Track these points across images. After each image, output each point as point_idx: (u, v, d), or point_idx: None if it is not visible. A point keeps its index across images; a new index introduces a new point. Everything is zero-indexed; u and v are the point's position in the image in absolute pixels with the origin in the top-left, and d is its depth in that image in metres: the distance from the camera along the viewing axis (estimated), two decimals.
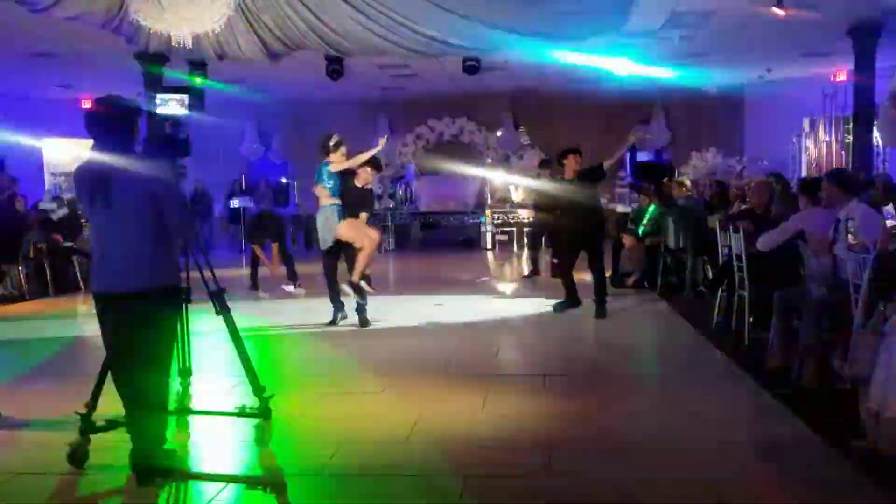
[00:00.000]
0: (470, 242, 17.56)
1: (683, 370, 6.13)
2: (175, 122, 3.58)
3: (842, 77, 14.27)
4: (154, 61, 10.65)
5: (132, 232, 3.60)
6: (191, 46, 7.17)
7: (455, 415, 4.93)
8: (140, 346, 3.67)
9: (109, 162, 3.59)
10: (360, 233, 7.55)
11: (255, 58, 9.51)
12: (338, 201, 7.52)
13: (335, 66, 12.51)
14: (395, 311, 8.82)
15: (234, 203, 17.34)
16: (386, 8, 8.47)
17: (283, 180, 18.86)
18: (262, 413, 4.26)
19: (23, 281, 10.42)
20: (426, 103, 18.38)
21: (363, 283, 7.64)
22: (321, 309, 8.09)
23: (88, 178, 3.63)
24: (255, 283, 10.38)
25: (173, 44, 7.12)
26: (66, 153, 14.32)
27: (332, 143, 7.55)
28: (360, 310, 7.67)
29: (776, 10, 9.91)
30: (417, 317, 8.54)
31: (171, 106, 3.45)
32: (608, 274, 10.63)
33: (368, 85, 16.03)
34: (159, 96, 3.40)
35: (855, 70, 12.39)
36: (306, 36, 8.86)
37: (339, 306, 7.80)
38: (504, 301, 9.54)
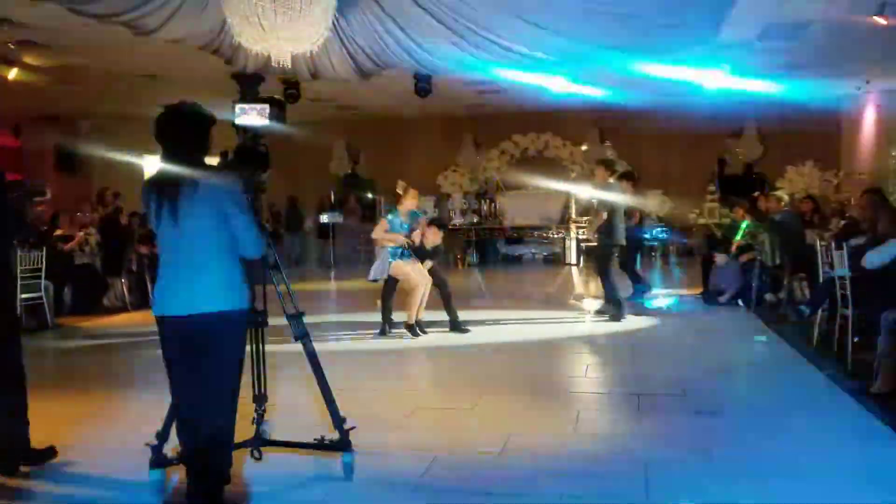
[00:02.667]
0: (554, 257, 17.45)
1: (782, 392, 5.93)
2: (255, 133, 3.54)
3: None
4: (250, 81, 11.02)
5: (200, 250, 3.30)
6: (290, 66, 7.38)
7: (547, 432, 4.90)
8: (204, 375, 3.35)
9: (177, 174, 3.30)
10: (415, 274, 8.03)
11: (347, 77, 9.71)
12: (399, 242, 8.02)
13: (423, 84, 12.66)
14: (482, 326, 8.84)
15: (324, 218, 17.70)
16: (475, 25, 8.52)
17: (370, 196, 19.16)
18: (343, 446, 3.99)
19: (125, 293, 10.88)
20: (511, 118, 18.40)
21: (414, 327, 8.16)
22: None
23: (155, 192, 3.34)
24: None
25: (273, 64, 7.35)
26: None
27: (400, 192, 8.19)
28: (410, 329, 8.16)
29: (878, 18, 9.54)
30: (504, 333, 8.55)
31: (251, 116, 3.49)
32: (700, 291, 10.48)
33: (454, 101, 16.15)
34: (238, 106, 3.43)
35: None
36: (398, 55, 9.00)
37: (389, 323, 8.33)
38: (590, 318, 9.43)
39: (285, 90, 12.40)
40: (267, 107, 4.12)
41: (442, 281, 8.36)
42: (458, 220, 17.92)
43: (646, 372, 6.69)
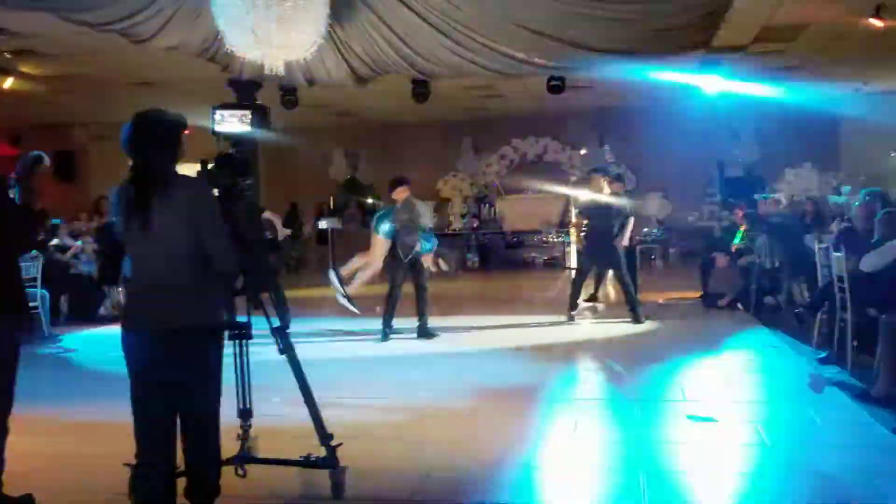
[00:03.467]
0: (554, 261, 17.42)
1: (782, 396, 5.90)
2: (235, 140, 3.33)
3: None
4: (247, 88, 11.02)
5: (173, 262, 3.16)
6: (283, 73, 7.37)
7: (546, 440, 4.86)
8: (183, 392, 3.22)
9: (147, 183, 3.14)
10: (378, 253, 8.37)
11: (343, 83, 9.70)
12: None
13: (421, 89, 12.65)
14: (479, 332, 8.82)
15: (322, 224, 17.66)
16: (471, 31, 8.50)
17: (370, 201, 19.14)
18: (330, 463, 3.84)
19: (121, 302, 10.85)
20: (510, 123, 18.39)
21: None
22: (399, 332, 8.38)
23: (124, 202, 3.19)
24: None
25: (266, 71, 7.34)
26: None
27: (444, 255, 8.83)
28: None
29: (874, 20, 9.52)
30: (502, 338, 8.51)
31: (231, 123, 3.32)
32: (699, 295, 10.44)
33: (453, 106, 16.14)
34: (218, 112, 3.26)
35: None
36: (394, 61, 8.99)
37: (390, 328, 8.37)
38: (590, 322, 9.42)
39: (282, 96, 12.39)
40: (248, 113, 3.92)
41: (423, 286, 8.37)
42: (457, 225, 17.96)
43: (645, 377, 6.64)
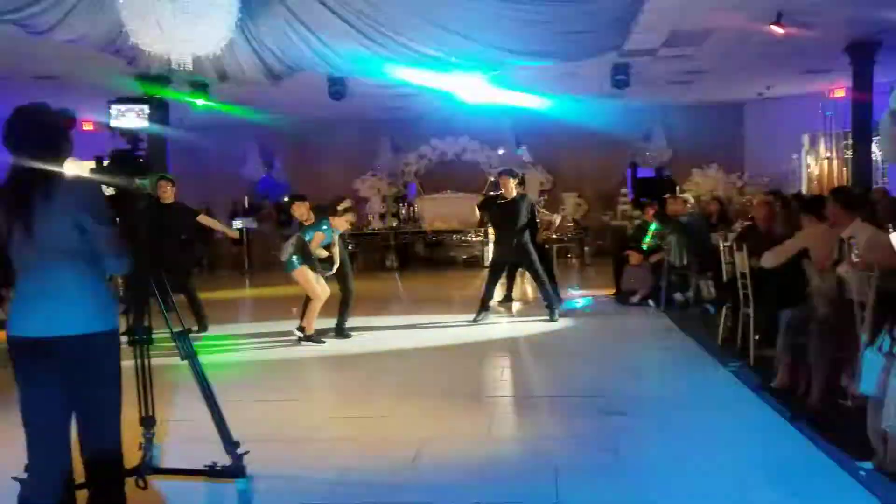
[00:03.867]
0: (474, 261, 17.49)
1: (689, 389, 6.07)
2: (133, 136, 3.16)
3: (840, 93, 14.30)
4: (155, 83, 10.72)
5: (59, 265, 2.95)
6: (191, 68, 7.18)
7: (461, 438, 4.88)
8: (78, 401, 3.04)
9: (29, 182, 2.93)
10: (311, 284, 8.00)
11: (257, 79, 9.54)
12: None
13: (337, 87, 12.55)
14: (397, 332, 8.79)
15: (237, 224, 17.32)
16: (386, 28, 8.49)
17: (286, 200, 18.83)
18: (236, 471, 3.70)
19: None
20: (429, 122, 18.39)
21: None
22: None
23: (6, 202, 2.97)
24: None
25: (173, 66, 7.13)
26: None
27: (341, 208, 8.13)
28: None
29: (775, 27, 9.93)
30: (419, 338, 8.50)
31: (127, 118, 3.16)
32: (613, 292, 10.67)
33: (371, 104, 16.04)
34: (114, 107, 3.11)
35: (853, 87, 12.41)
36: (308, 57, 8.89)
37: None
38: (506, 321, 9.51)
39: (192, 92, 12.10)
40: (146, 107, 3.74)
41: (348, 289, 8.32)
42: (376, 225, 17.88)
43: (559, 374, 6.76)
